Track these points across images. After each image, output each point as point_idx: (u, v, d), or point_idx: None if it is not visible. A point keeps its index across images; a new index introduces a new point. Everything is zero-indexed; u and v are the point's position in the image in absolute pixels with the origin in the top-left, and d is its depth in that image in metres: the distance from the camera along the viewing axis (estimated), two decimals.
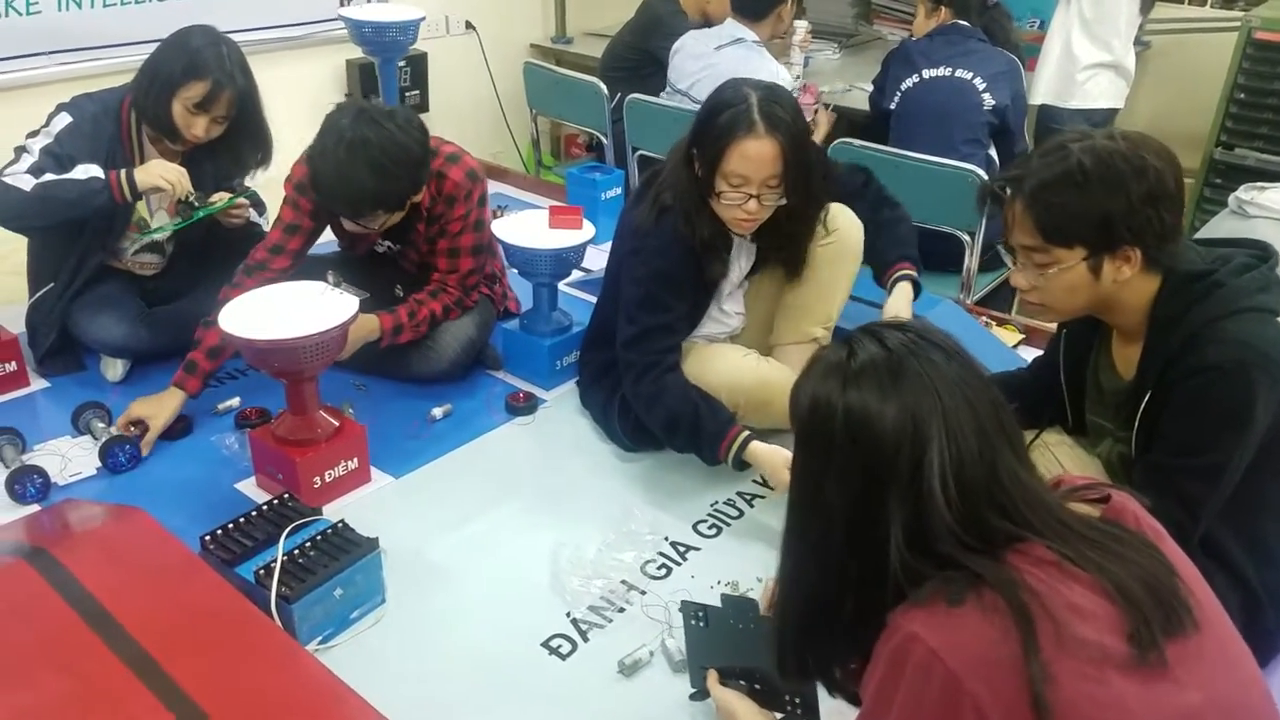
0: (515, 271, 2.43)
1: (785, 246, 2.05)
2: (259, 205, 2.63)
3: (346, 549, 1.69)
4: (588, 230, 2.32)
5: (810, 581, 1.08)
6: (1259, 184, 2.94)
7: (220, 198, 2.29)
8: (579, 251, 2.30)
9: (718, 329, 2.14)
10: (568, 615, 1.73)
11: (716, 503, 2.02)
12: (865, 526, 1.00)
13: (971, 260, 2.77)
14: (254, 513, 1.77)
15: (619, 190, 3.11)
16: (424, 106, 3.85)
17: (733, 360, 2.06)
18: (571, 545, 1.87)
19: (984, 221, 2.72)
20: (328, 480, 1.98)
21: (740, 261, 2.09)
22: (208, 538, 1.71)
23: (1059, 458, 1.76)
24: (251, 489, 2.03)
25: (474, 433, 2.24)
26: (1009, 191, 1.49)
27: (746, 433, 1.89)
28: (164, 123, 2.22)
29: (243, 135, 2.35)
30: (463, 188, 2.23)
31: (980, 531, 0.98)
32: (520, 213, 2.43)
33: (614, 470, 2.13)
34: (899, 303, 2.09)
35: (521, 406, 2.31)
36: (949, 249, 2.79)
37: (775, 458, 1.86)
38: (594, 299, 2.64)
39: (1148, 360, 1.52)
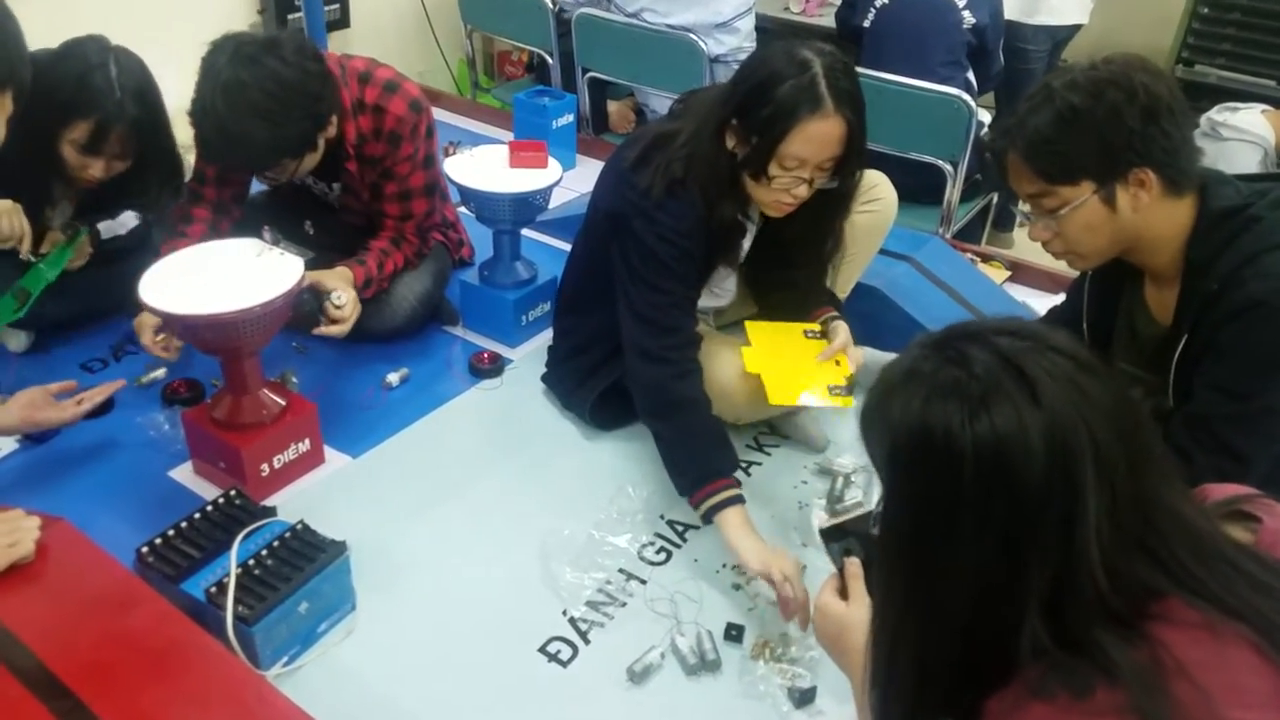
0: (470, 216, 2.19)
1: (811, 235, 1.78)
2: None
3: (310, 555, 1.48)
4: (554, 170, 2.07)
5: (915, 653, 0.89)
6: (1231, 104, 2.83)
7: (55, 239, 1.92)
8: (546, 194, 2.05)
9: (708, 302, 1.91)
10: (564, 614, 1.56)
11: None
12: (993, 594, 0.81)
13: (953, 192, 2.61)
14: (197, 515, 1.54)
15: (571, 117, 2.84)
16: (345, 22, 3.48)
17: (729, 363, 1.81)
18: (559, 530, 1.69)
19: (968, 151, 2.56)
20: (277, 467, 1.75)
21: (745, 241, 1.84)
22: (145, 550, 1.47)
23: None
24: (189, 476, 1.79)
25: (436, 400, 2.02)
26: (1003, 146, 1.42)
27: (733, 494, 1.59)
28: (57, 166, 1.85)
29: (147, 166, 1.95)
30: (407, 122, 1.95)
31: (1127, 589, 0.80)
32: (475, 149, 2.16)
33: (596, 440, 1.94)
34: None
35: (487, 368, 2.09)
36: (929, 180, 2.63)
37: (747, 547, 1.52)
38: (561, 243, 2.43)
39: (1185, 302, 1.43)
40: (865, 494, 1.79)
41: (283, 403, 1.76)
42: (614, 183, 1.77)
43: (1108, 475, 0.78)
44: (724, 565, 1.65)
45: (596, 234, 1.84)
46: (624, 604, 1.58)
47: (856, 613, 1.14)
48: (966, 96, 2.50)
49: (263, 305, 1.58)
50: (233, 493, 1.59)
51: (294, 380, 1.98)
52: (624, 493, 1.76)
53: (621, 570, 1.63)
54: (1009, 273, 2.42)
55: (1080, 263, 1.50)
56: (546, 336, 2.19)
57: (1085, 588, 0.78)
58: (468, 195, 2.06)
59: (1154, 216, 1.39)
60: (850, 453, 1.91)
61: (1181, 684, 0.75)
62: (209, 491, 1.73)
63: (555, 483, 1.82)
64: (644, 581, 1.62)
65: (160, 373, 2.02)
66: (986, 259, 2.44)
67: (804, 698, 1.42)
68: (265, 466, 1.73)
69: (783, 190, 1.59)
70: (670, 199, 1.65)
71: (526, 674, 1.47)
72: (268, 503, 1.68)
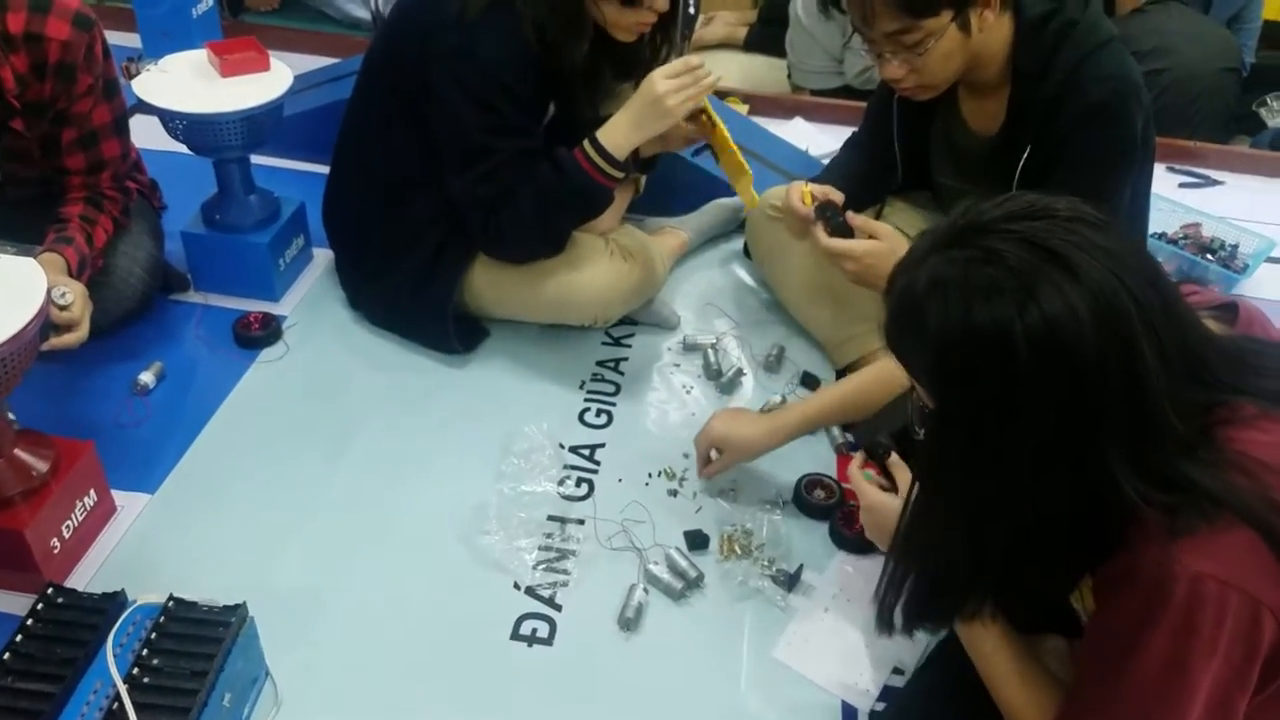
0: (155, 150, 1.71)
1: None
2: None
3: (210, 634, 1.14)
4: (282, 73, 1.66)
5: (969, 549, 0.90)
6: None
7: None
8: (278, 106, 1.64)
9: None
10: (518, 588, 1.36)
11: (584, 383, 1.70)
12: (1062, 470, 0.83)
13: (676, 33, 2.50)
14: (19, 638, 1.11)
15: (211, 1, 2.29)
16: None
17: (601, 266, 1.66)
18: (463, 500, 1.46)
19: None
20: (68, 537, 1.30)
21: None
22: None
23: (907, 224, 1.71)
24: None
25: (217, 391, 1.61)
26: None
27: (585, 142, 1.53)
28: None
29: None
30: (77, 46, 1.43)
31: (1191, 417, 0.84)
32: (162, 61, 1.65)
33: (452, 377, 1.67)
34: None
35: (260, 334, 1.69)
36: None
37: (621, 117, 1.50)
38: (286, 161, 2.03)
39: (1020, 113, 1.49)
40: (738, 358, 1.75)
41: (50, 453, 1.29)
42: (405, 17, 1.56)
43: (1152, 324, 0.80)
44: (649, 475, 1.54)
45: (382, 89, 1.60)
46: (575, 553, 1.41)
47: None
48: None
49: (10, 340, 1.12)
50: (50, 590, 1.16)
51: (10, 418, 1.45)
52: (520, 434, 1.54)
53: (552, 518, 1.46)
54: (747, 105, 2.42)
55: (928, 93, 1.49)
56: (311, 278, 1.84)
57: (1162, 431, 0.81)
58: (177, 120, 1.59)
59: (990, 33, 1.42)
60: (698, 319, 1.85)
61: (1270, 477, 0.81)
62: None
63: (428, 446, 1.55)
64: (581, 521, 1.46)
65: None
66: (724, 96, 2.41)
67: (793, 579, 1.39)
68: (55, 542, 1.28)
69: (649, 9, 1.49)
70: (487, 27, 1.45)
71: (513, 667, 1.27)
72: (74, 584, 1.26)
